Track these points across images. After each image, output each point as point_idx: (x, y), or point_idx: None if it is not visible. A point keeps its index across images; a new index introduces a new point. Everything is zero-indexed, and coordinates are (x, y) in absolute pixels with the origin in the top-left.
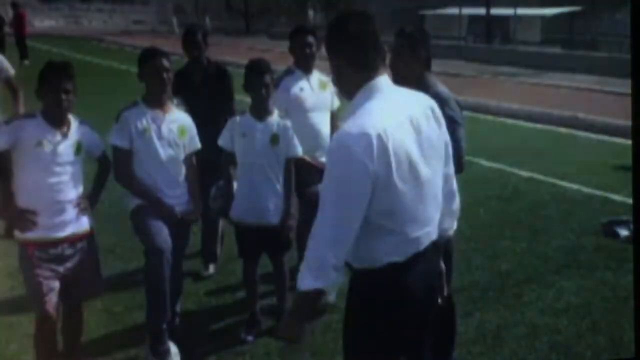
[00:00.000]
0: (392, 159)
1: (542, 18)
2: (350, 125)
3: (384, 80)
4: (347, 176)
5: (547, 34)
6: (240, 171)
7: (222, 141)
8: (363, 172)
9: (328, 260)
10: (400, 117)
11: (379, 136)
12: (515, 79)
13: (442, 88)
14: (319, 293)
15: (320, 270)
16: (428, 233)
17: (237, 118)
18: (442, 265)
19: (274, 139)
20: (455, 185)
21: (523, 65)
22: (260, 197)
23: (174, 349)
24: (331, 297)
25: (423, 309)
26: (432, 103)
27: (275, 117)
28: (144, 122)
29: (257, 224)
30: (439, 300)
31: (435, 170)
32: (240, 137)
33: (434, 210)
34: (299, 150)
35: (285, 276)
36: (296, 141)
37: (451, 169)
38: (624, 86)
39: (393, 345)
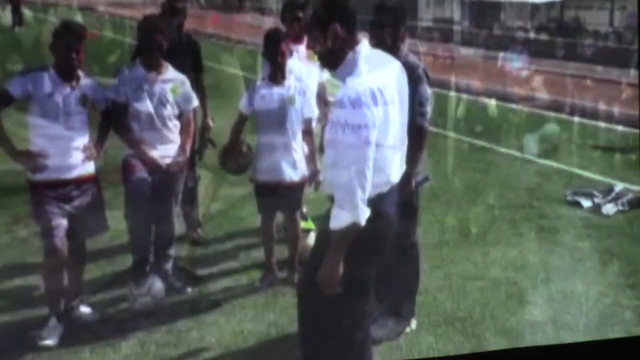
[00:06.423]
0: (389, 104)
1: (533, 5)
2: (355, 82)
3: (366, 42)
4: (359, 120)
5: (537, 21)
6: (259, 133)
7: (240, 105)
8: (372, 116)
9: (357, 194)
10: (386, 71)
11: (379, 88)
12: (504, 64)
13: (412, 57)
14: (354, 227)
15: (352, 204)
16: (401, 167)
17: (257, 82)
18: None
19: (291, 100)
20: None
21: (512, 51)
22: (277, 156)
23: (158, 284)
24: None
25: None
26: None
27: (292, 81)
28: (138, 80)
29: (273, 182)
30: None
31: (405, 114)
32: (259, 100)
33: (405, 146)
34: (315, 114)
35: (297, 233)
36: (313, 104)
37: None
38: (608, 73)
39: (370, 264)
